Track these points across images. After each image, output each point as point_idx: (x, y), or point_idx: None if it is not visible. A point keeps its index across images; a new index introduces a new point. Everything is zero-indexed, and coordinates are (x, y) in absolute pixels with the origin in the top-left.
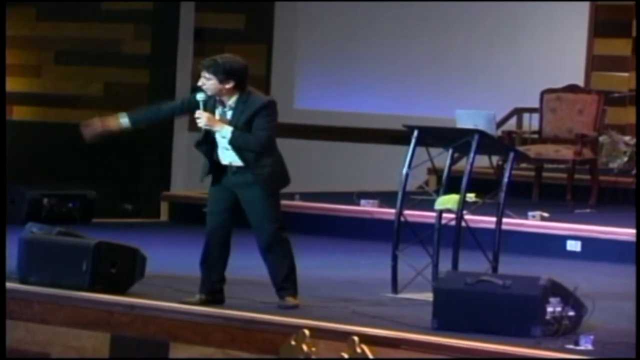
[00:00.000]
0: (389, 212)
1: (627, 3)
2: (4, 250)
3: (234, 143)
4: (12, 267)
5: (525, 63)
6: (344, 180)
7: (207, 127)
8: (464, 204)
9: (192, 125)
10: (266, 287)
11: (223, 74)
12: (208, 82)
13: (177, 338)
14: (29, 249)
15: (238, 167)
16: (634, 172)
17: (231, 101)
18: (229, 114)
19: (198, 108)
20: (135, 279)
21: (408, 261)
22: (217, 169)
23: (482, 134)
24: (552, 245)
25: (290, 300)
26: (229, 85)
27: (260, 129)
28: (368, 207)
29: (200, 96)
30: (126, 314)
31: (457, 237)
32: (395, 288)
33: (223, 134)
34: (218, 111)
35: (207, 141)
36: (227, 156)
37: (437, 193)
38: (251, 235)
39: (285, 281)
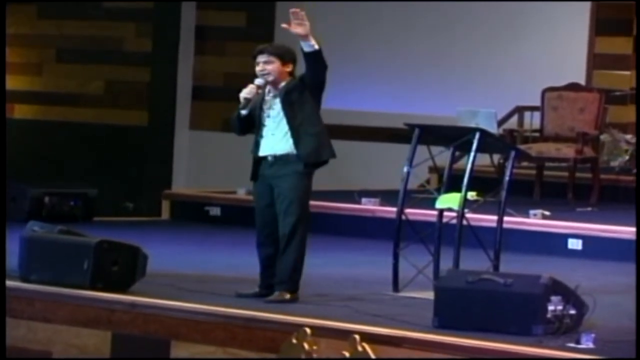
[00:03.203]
0: (390, 211)
1: (628, 1)
2: (3, 249)
3: (319, 51)
4: (13, 265)
5: (526, 61)
6: (345, 178)
7: (302, 31)
8: (465, 203)
9: (193, 123)
10: None
11: (286, 55)
12: (270, 66)
13: (178, 336)
14: (31, 248)
15: (276, 157)
16: (635, 170)
17: (281, 87)
18: (277, 101)
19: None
20: (137, 277)
21: (409, 259)
22: (256, 164)
23: (483, 132)
24: (553, 244)
25: (282, 295)
26: (289, 69)
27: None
28: (369, 206)
29: (259, 81)
30: (127, 312)
31: (458, 235)
32: (396, 286)
33: (311, 43)
34: (270, 96)
35: (249, 129)
36: (269, 146)
37: (439, 191)
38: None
39: (287, 276)
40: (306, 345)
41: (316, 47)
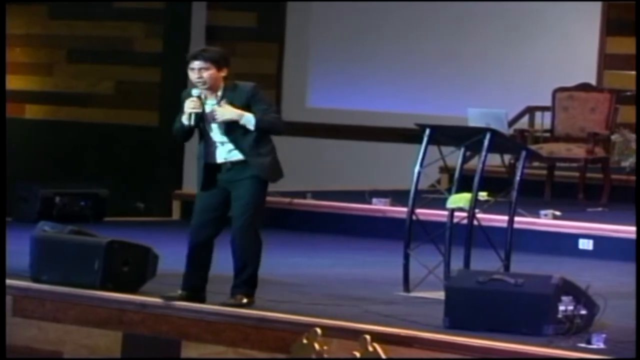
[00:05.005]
0: (400, 211)
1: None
2: (4, 249)
3: (260, 127)
4: (24, 265)
5: (537, 61)
6: (356, 178)
7: (226, 119)
8: (476, 203)
9: None
10: (277, 285)
11: (221, 61)
12: (206, 73)
13: (188, 337)
14: (41, 248)
15: (233, 163)
16: None
17: (219, 91)
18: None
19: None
20: (147, 277)
21: (420, 260)
22: (209, 171)
23: (494, 132)
24: (564, 244)
25: (239, 299)
26: (224, 73)
27: (270, 112)
28: (380, 206)
29: (195, 92)
30: (138, 312)
31: (469, 235)
32: (407, 286)
33: (245, 120)
34: (210, 102)
35: (193, 137)
36: (223, 154)
37: (449, 192)
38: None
39: (241, 278)
40: (317, 346)
41: (253, 124)
